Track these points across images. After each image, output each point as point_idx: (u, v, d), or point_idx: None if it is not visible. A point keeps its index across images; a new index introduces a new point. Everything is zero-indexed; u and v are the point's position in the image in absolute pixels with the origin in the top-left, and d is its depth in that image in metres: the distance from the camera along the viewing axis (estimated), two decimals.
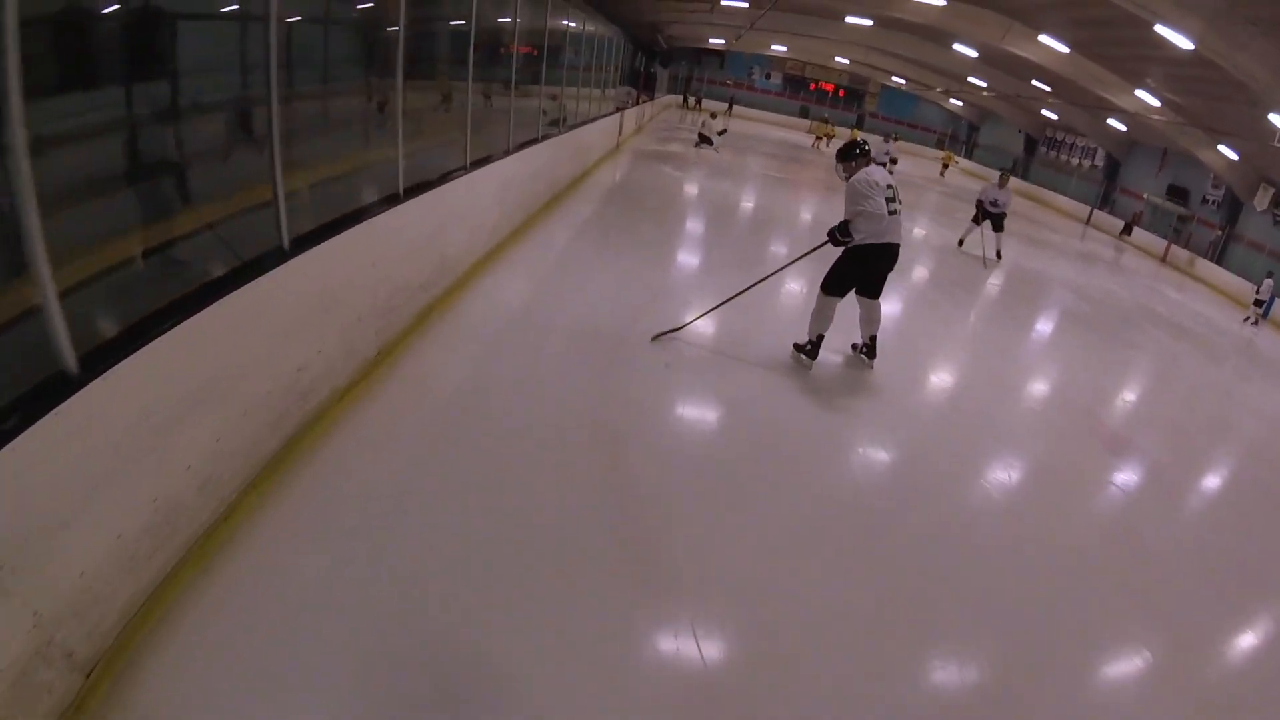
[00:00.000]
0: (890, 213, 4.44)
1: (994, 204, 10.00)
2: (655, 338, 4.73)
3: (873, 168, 4.51)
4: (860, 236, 4.46)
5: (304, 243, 2.81)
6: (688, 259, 7.45)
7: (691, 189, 11.77)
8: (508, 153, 6.33)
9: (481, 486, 2.90)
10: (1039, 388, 5.82)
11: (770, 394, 4.36)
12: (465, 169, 5.19)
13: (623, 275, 6.15)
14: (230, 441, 2.36)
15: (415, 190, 4.08)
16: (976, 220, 10.22)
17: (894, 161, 15.95)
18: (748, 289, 4.93)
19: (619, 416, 3.66)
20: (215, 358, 2.23)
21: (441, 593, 2.30)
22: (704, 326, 4.94)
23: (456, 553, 2.49)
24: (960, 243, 10.52)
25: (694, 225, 9.02)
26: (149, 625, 1.94)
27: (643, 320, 4.93)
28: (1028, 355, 6.83)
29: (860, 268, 4.62)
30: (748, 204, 11.53)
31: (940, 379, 5.56)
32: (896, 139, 15.54)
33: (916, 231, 11.55)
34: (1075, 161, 22.86)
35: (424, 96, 5.46)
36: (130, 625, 1.89)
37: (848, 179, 4.53)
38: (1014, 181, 25.15)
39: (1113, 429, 5.17)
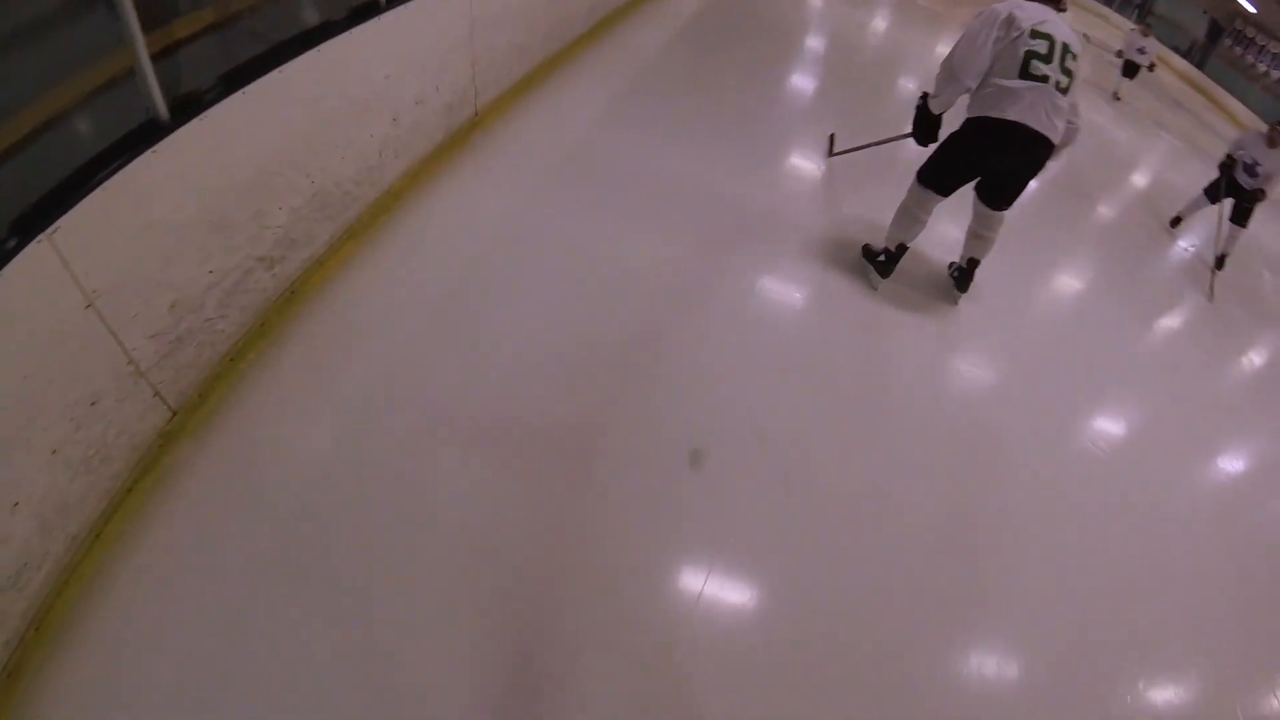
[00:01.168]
0: (1033, 77, 2.92)
1: (1250, 170, 5.89)
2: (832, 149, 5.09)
3: (1031, 4, 3.06)
4: (940, 104, 3.20)
5: None
6: (795, 147, 5.36)
7: (809, 12, 9.66)
8: None
9: None
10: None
11: (814, 315, 3.52)
12: (380, 7, 3.00)
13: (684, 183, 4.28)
14: None
15: (202, 101, 2.12)
16: (1213, 193, 6.13)
17: (1150, 67, 11.18)
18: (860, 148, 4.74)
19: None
20: None
21: None
22: (777, 196, 4.58)
23: None
24: (1175, 221, 6.47)
25: (805, 79, 7.24)
26: None
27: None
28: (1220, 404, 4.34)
29: (972, 153, 3.20)
30: (876, 41, 9.44)
31: (1057, 372, 3.80)
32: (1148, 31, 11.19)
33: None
34: (1262, 68, 19.08)
35: None
36: None
37: None
38: (1184, 66, 20.93)
39: None
